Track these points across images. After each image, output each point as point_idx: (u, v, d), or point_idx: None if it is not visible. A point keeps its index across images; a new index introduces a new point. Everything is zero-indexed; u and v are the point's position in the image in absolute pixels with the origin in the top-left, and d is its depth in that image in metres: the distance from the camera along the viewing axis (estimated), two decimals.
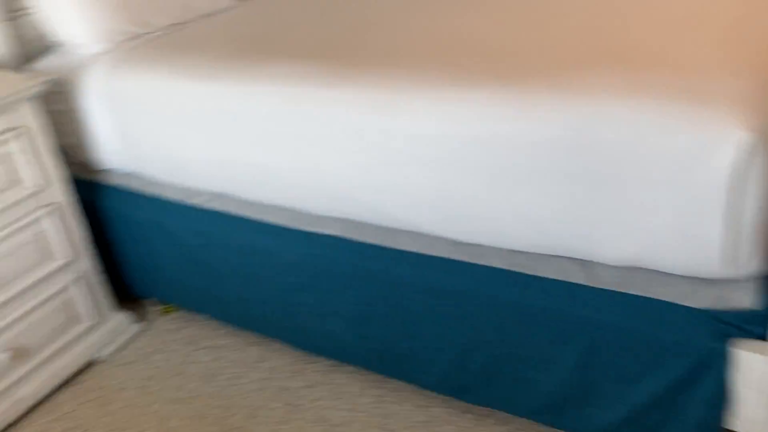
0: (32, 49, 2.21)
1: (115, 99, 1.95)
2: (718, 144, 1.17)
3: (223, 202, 1.91)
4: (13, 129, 1.81)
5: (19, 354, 1.93)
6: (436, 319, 1.61)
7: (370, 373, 1.92)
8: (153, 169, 2.00)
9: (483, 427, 1.72)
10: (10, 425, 1.93)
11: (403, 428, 1.75)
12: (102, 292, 2.14)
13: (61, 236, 1.98)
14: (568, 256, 1.44)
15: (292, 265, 1.80)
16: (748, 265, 1.25)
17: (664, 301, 1.33)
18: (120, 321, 2.20)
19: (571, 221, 1.37)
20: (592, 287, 1.40)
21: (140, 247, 2.11)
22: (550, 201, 1.36)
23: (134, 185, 2.09)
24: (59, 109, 2.07)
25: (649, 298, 1.35)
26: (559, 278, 1.44)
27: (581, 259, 1.44)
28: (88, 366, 2.12)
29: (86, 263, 2.07)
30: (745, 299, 1.29)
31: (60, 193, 1.97)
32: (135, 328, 2.24)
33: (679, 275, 1.34)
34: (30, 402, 1.96)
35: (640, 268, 1.37)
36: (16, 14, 2.17)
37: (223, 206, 1.91)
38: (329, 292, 1.76)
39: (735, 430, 1.32)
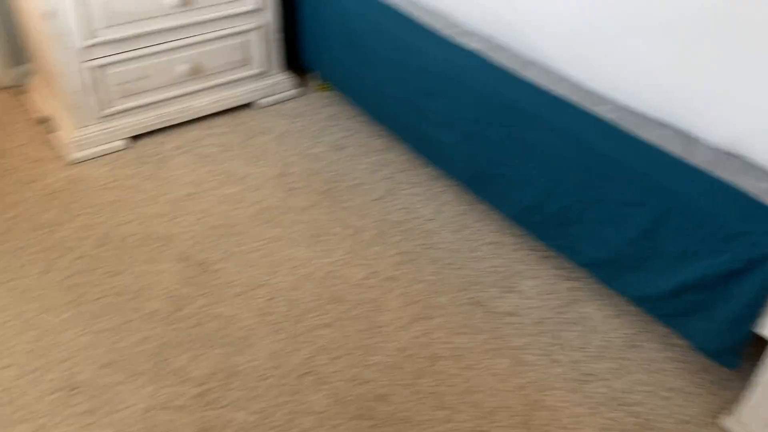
0: None
1: None
2: None
3: (399, 2, 2.02)
4: None
5: (196, 70, 2.23)
6: (534, 152, 1.66)
7: (466, 192, 2.03)
8: None
9: (542, 266, 1.80)
10: (175, 126, 2.28)
11: (473, 240, 1.88)
12: (276, 49, 2.37)
13: None
14: (674, 125, 1.42)
15: (431, 70, 1.89)
16: None
17: (746, 193, 1.30)
18: (282, 80, 2.44)
19: (694, 88, 1.34)
20: (684, 161, 1.39)
21: (317, 22, 2.29)
22: (683, 61, 1.34)
23: None
24: None
25: (734, 187, 1.32)
26: (657, 144, 1.43)
27: (685, 133, 1.41)
28: (245, 106, 2.41)
29: (269, 16, 2.29)
30: None
31: None
32: (293, 91, 2.48)
33: None
34: (193, 113, 2.29)
35: (736, 156, 1.34)
36: None
37: (397, 5, 2.02)
38: (454, 102, 1.85)
39: (763, 333, 1.32)
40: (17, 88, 2.43)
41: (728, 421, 1.44)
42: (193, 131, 2.27)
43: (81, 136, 2.09)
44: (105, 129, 2.13)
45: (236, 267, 1.76)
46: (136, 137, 2.21)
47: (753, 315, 1.33)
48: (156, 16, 2.05)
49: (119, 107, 2.13)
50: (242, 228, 1.89)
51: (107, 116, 2.12)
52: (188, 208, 1.95)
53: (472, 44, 1.80)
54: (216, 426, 1.39)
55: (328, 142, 2.27)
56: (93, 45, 1.98)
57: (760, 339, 1.34)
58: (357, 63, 2.17)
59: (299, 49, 2.47)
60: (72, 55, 1.96)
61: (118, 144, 2.16)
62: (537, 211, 1.73)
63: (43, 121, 2.26)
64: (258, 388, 1.47)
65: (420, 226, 1.93)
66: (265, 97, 2.42)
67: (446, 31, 1.86)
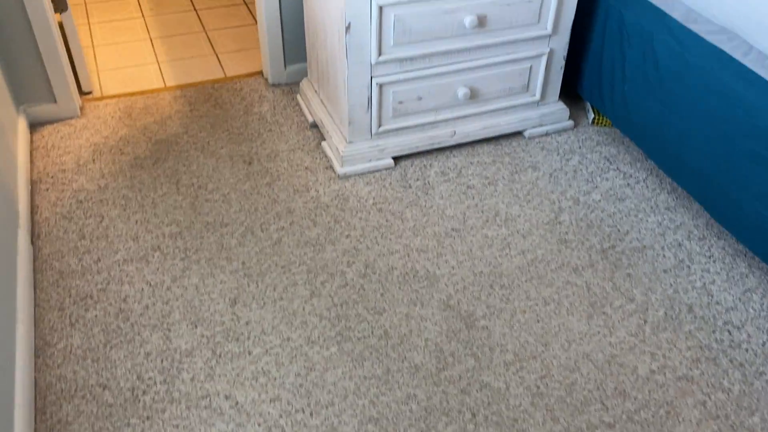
0: None
1: None
2: None
3: (720, 38, 1.70)
4: None
5: (473, 95, 2.07)
6: None
7: None
8: None
9: None
10: (439, 149, 2.15)
11: None
12: (556, 77, 2.14)
13: (554, 9, 1.97)
14: None
15: (763, 131, 1.57)
16: None
17: None
18: (556, 109, 2.21)
19: None
20: None
21: (607, 49, 2.03)
22: None
23: None
24: None
25: None
26: None
27: None
28: (513, 134, 2.21)
29: (560, 42, 2.06)
30: None
31: None
32: (566, 123, 2.24)
33: None
34: (460, 138, 2.13)
35: None
36: None
37: (719, 42, 1.70)
38: None
39: None
40: (291, 86, 2.44)
41: None
42: (458, 157, 2.12)
43: (351, 150, 2.02)
44: (374, 146, 2.04)
45: (504, 328, 1.58)
46: (401, 157, 2.11)
47: None
48: (449, 37, 1.91)
49: (391, 126, 2.03)
50: (509, 280, 1.71)
51: (378, 133, 2.03)
52: (452, 246, 1.80)
53: None
54: None
55: (605, 188, 2.01)
56: (382, 62, 1.88)
57: None
58: (652, 103, 1.88)
59: (577, 77, 2.22)
60: (361, 70, 1.88)
61: (385, 163, 2.07)
62: None
63: (314, 126, 2.24)
64: None
65: (720, 316, 1.62)
66: (536, 127, 2.21)
67: None
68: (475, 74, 2.02)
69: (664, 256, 1.78)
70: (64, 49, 2.21)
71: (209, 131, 2.21)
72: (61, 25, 2.21)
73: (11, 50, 2.07)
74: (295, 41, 2.38)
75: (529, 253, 1.79)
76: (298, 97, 2.37)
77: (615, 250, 1.80)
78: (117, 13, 2.91)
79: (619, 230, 1.86)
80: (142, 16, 2.88)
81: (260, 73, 2.51)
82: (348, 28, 1.80)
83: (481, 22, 1.91)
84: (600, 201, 1.96)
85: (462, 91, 2.03)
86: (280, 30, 2.34)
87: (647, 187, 2.01)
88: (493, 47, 1.98)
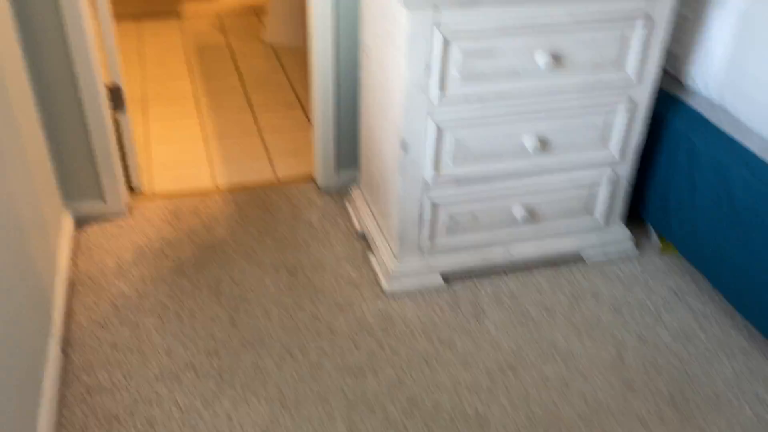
0: None
1: (749, 20, 1.70)
2: None
3: None
4: (645, 15, 1.71)
5: (531, 216, 1.96)
6: None
7: None
8: (742, 108, 1.74)
9: None
10: (492, 269, 2.03)
11: None
12: (620, 202, 2.03)
13: (621, 134, 1.88)
14: None
15: None
16: None
17: None
18: (619, 235, 2.09)
19: None
20: None
21: (676, 176, 1.92)
22: None
23: (711, 116, 1.86)
24: (682, 14, 1.91)
25: None
26: None
27: None
28: (572, 258, 2.09)
29: (626, 168, 1.96)
30: None
31: (645, 93, 1.84)
32: (630, 249, 2.11)
33: None
34: (515, 259, 2.02)
35: None
36: None
37: None
38: None
39: None
40: (341, 192, 2.38)
41: None
42: (513, 280, 2.00)
43: (400, 267, 1.92)
44: (424, 264, 1.94)
45: None
46: (452, 277, 2.00)
47: None
48: (509, 158, 1.83)
49: (444, 244, 1.93)
50: (568, 429, 1.54)
51: (429, 251, 1.93)
52: (505, 385, 1.65)
53: None
54: None
55: (673, 325, 1.85)
56: (438, 181, 1.81)
57: None
58: (726, 237, 1.75)
59: (642, 201, 2.10)
60: (415, 187, 1.81)
61: (435, 282, 1.95)
62: None
63: (363, 237, 2.16)
64: None
65: None
66: (597, 252, 2.08)
67: None
68: (534, 195, 1.93)
69: (740, 409, 1.60)
70: (117, 146, 2.21)
71: (256, 237, 2.14)
72: (116, 122, 2.22)
73: (64, 145, 2.07)
74: (348, 146, 2.34)
75: (590, 397, 1.63)
76: (348, 204, 2.30)
77: (685, 400, 1.62)
78: (175, 110, 2.94)
79: (689, 376, 1.69)
80: (199, 115, 2.91)
81: (311, 177, 2.47)
82: (404, 145, 1.73)
83: (543, 144, 1.83)
84: (668, 340, 1.80)
85: (519, 212, 1.93)
86: (334, 135, 2.30)
87: (719, 326, 1.85)
88: (554, 170, 1.89)
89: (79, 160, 2.11)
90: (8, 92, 1.63)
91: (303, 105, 3.01)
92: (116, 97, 2.17)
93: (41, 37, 1.89)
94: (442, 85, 1.68)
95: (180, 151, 2.62)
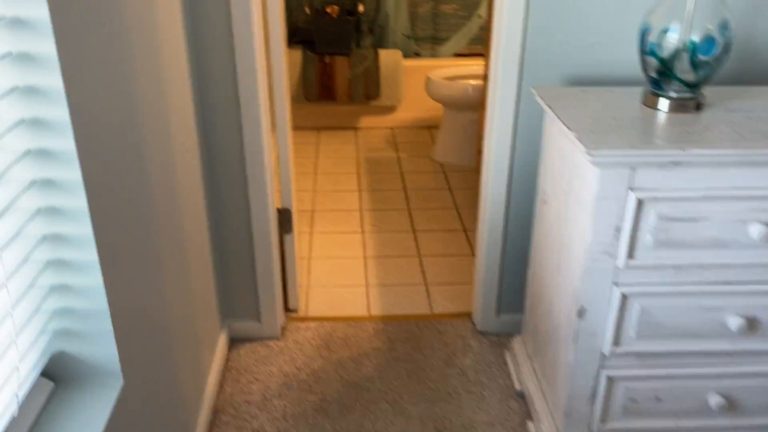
0: None
1: None
2: None
3: None
4: None
5: (729, 405, 1.64)
6: None
7: None
8: None
9: None
10: None
11: None
12: None
13: None
14: None
15: None
16: None
17: None
18: None
19: None
20: None
21: None
22: None
23: None
24: None
25: None
26: None
27: None
28: None
29: None
30: None
31: None
32: None
33: None
34: None
35: None
36: None
37: None
38: None
39: None
40: (501, 338, 2.19)
41: None
42: None
43: None
44: None
45: None
46: None
47: None
48: (705, 336, 1.55)
49: (618, 425, 1.66)
50: None
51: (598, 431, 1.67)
52: None
53: None
54: None
55: None
56: (618, 354, 1.57)
57: None
58: None
59: None
60: (590, 359, 1.58)
61: None
62: None
63: (521, 396, 1.93)
64: None
65: None
66: None
67: None
68: (734, 382, 1.62)
69: None
70: (280, 268, 2.20)
71: (404, 380, 1.99)
72: (281, 242, 2.22)
73: (228, 264, 2.09)
74: (513, 288, 2.16)
75: None
76: (507, 354, 2.10)
77: None
78: (340, 224, 2.95)
79: None
80: (362, 231, 2.89)
81: (469, 315, 2.30)
82: (581, 312, 1.53)
83: (751, 324, 1.54)
84: None
85: (715, 400, 1.62)
86: (498, 275, 2.14)
87: None
88: (763, 355, 1.58)
89: (241, 279, 2.11)
90: (182, 212, 1.66)
91: (466, 230, 2.90)
92: (285, 219, 2.18)
93: (221, 161, 1.95)
94: (632, 251, 1.47)
95: (339, 270, 2.58)
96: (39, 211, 1.03)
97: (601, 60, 1.87)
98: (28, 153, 0.99)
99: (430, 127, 4.15)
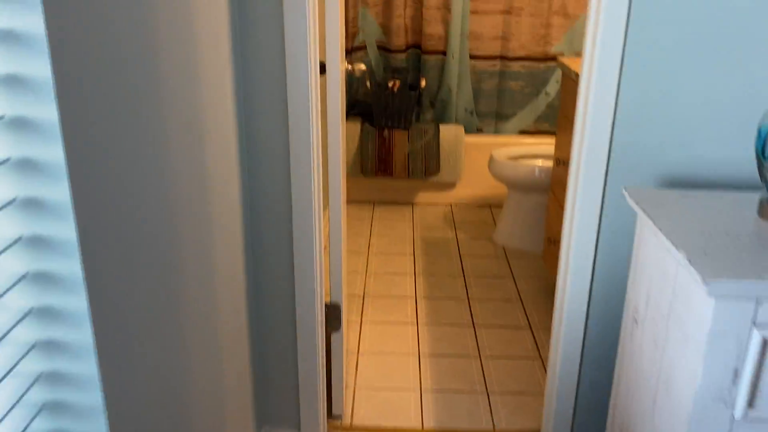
0: None
1: None
2: None
3: None
4: None
5: None
6: None
7: None
8: None
9: None
10: None
11: None
12: None
13: None
14: None
15: None
16: None
17: None
18: None
19: None
20: None
21: None
22: None
23: None
24: None
25: None
26: None
27: None
28: None
29: None
30: None
31: None
32: None
33: None
34: None
35: None
36: None
37: None
38: None
39: None
40: None
41: None
42: None
43: None
44: None
45: None
46: None
47: None
48: None
49: None
50: None
51: None
52: None
53: None
54: None
55: None
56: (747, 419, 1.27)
57: None
58: None
59: None
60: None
61: None
62: None
63: None
64: None
65: None
66: None
67: None
68: None
69: None
70: (326, 369, 1.98)
71: None
72: (328, 339, 2.01)
73: (268, 365, 1.88)
74: (591, 415, 1.88)
75: None
76: None
77: None
78: (392, 313, 2.72)
79: None
80: (417, 323, 2.65)
81: None
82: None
83: None
84: None
85: None
86: (575, 390, 1.87)
87: None
88: None
89: (281, 381, 1.90)
90: (218, 308, 1.46)
91: (532, 327, 2.63)
92: (333, 316, 1.97)
93: (266, 246, 1.77)
94: (753, 399, 1.20)
95: (390, 369, 2.34)
96: (31, 311, 0.85)
97: (699, 158, 1.63)
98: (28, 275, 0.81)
99: (491, 205, 3.93)
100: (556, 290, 1.86)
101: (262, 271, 1.78)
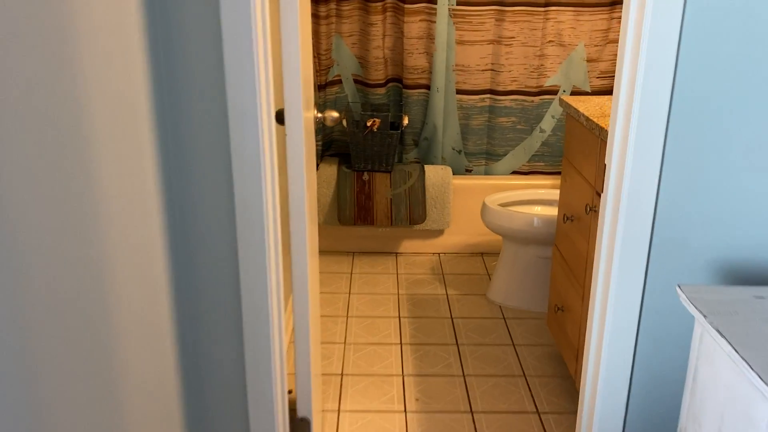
0: None
1: None
2: None
3: None
4: None
5: None
6: None
7: None
8: None
9: None
10: None
11: None
12: None
13: None
14: None
15: None
16: None
17: None
18: None
19: None
20: None
21: None
22: None
23: None
24: None
25: None
26: None
27: None
28: None
29: None
30: None
31: None
32: None
33: None
34: None
35: None
36: None
37: None
38: None
39: None
40: None
41: None
42: None
43: None
44: None
45: None
46: None
47: None
48: None
49: None
50: None
51: None
52: None
53: None
54: None
55: None
56: None
57: None
58: None
59: None
60: None
61: None
62: None
63: None
64: None
65: None
66: None
67: None
68: None
69: None
70: None
71: None
72: None
73: None
74: None
75: None
76: None
77: None
78: (376, 398, 2.32)
79: None
80: (404, 409, 2.25)
81: None
82: None
83: None
84: None
85: None
86: None
87: None
88: None
89: None
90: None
91: (539, 412, 2.24)
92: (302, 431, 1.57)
93: (209, 367, 1.37)
94: None
95: None
96: None
97: (759, 243, 1.27)
98: None
99: (483, 253, 3.55)
100: (579, 408, 1.47)
101: (206, 390, 1.38)
